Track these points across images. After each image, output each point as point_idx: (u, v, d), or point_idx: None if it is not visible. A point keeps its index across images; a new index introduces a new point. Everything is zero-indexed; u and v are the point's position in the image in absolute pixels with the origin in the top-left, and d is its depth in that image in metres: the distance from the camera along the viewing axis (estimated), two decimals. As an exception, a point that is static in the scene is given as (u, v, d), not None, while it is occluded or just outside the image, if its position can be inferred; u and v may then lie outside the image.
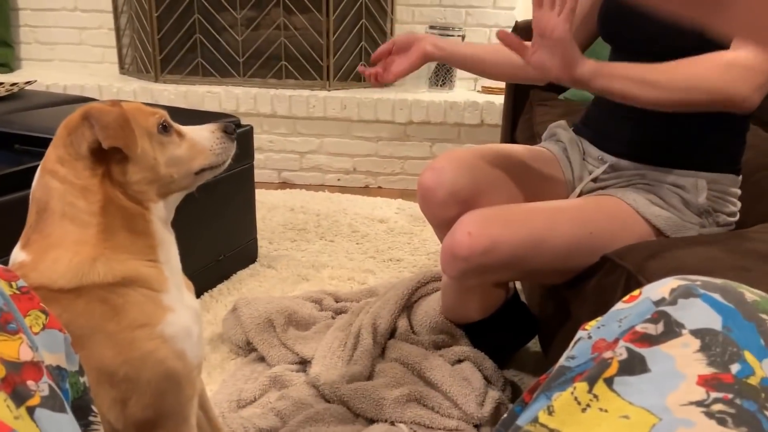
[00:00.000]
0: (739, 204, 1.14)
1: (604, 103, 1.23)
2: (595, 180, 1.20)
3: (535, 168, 1.25)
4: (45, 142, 0.82)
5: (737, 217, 1.14)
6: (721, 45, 0.95)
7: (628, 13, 1.13)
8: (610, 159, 1.20)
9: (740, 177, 1.15)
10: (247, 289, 1.76)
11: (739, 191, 1.14)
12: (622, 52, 1.19)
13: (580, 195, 1.21)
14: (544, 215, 1.09)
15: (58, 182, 0.75)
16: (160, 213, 0.82)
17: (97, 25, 3.17)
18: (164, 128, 0.82)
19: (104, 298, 0.73)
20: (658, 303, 0.44)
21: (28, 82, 2.04)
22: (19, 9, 3.20)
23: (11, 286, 0.51)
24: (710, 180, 1.10)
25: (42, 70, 3.20)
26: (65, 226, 0.74)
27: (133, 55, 3.07)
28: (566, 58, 0.95)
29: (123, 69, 3.14)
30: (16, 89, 1.96)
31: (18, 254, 0.75)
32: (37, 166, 0.79)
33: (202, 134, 0.87)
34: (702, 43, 0.89)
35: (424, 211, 1.24)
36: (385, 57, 1.26)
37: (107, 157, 0.76)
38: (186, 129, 0.86)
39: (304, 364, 1.38)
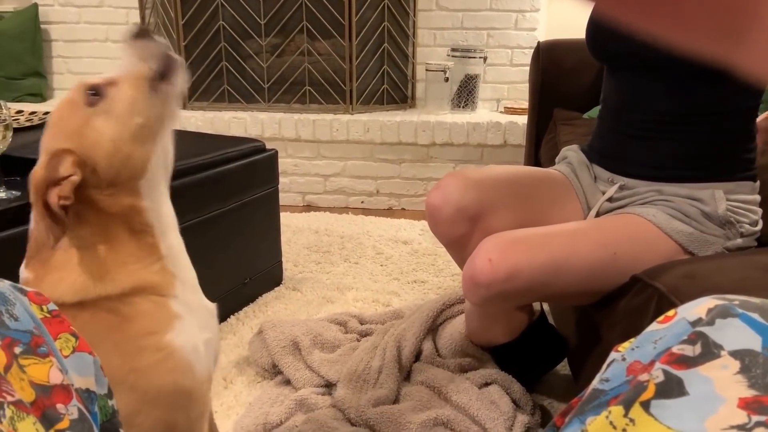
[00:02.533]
0: (760, 211, 1.11)
1: (608, 126, 1.21)
2: (610, 200, 1.19)
3: (545, 188, 1.24)
4: (76, 169, 0.83)
5: (760, 226, 1.11)
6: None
7: (616, 29, 1.12)
8: (621, 180, 1.18)
9: (758, 183, 1.12)
10: (273, 312, 1.76)
11: (758, 197, 1.12)
12: (616, 70, 1.18)
13: (597, 215, 1.20)
14: (564, 238, 1.07)
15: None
16: (153, 193, 0.77)
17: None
18: (94, 94, 0.73)
19: (110, 308, 0.72)
20: (694, 323, 0.43)
21: (60, 111, 2.09)
22: (51, 40, 3.30)
23: (42, 310, 0.51)
24: (727, 190, 1.08)
25: (73, 99, 3.28)
26: (69, 252, 0.73)
27: (161, 83, 3.13)
28: None
29: (151, 96, 3.21)
30: (48, 118, 2.01)
31: (23, 271, 0.75)
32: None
33: (126, 63, 0.75)
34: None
35: (433, 230, 1.24)
36: None
37: (84, 185, 0.72)
38: (114, 79, 0.75)
39: (329, 387, 1.37)
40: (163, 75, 0.76)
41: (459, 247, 1.20)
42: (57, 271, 0.73)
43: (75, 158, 0.70)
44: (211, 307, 0.86)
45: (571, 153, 1.32)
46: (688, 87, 1.07)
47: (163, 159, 0.78)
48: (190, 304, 0.80)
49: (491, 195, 1.19)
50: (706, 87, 1.06)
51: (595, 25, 1.20)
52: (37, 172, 0.70)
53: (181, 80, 0.78)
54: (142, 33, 0.76)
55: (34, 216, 0.74)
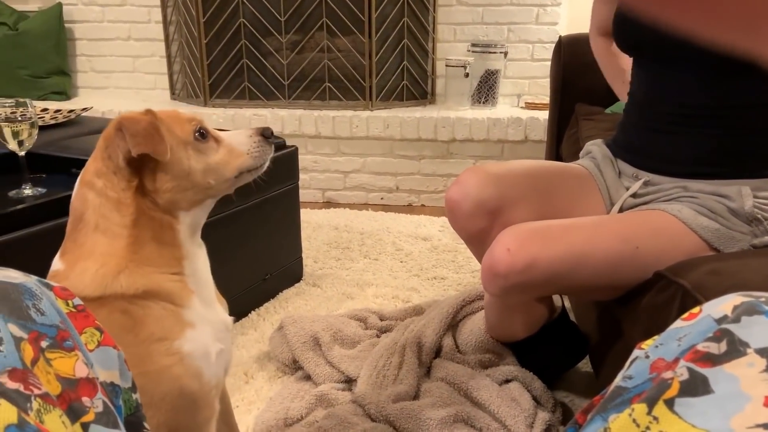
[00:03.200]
0: None
1: (634, 120, 1.20)
2: (634, 195, 1.17)
3: (566, 183, 1.23)
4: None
5: None
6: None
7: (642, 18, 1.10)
8: (645, 175, 1.17)
9: None
10: (293, 308, 1.77)
11: None
12: (643, 61, 1.17)
13: (620, 212, 1.18)
14: (585, 230, 1.06)
15: (94, 195, 0.77)
16: (190, 222, 0.82)
17: (150, 53, 3.30)
18: (201, 135, 0.82)
19: (125, 309, 0.74)
20: (720, 321, 0.42)
21: (84, 109, 2.13)
22: (75, 39, 3.35)
23: (68, 304, 0.52)
24: (755, 187, 1.06)
25: (97, 97, 3.33)
26: (97, 237, 0.76)
27: (184, 81, 3.17)
28: None
29: (174, 95, 3.25)
30: (73, 116, 2.05)
31: (56, 263, 0.78)
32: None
33: (240, 138, 0.87)
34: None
35: (453, 225, 1.23)
36: None
37: (142, 168, 0.78)
38: (223, 134, 0.87)
39: (349, 382, 1.38)
40: (250, 170, 0.87)
41: (479, 241, 1.20)
42: (83, 260, 0.75)
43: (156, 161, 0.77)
44: (228, 321, 0.88)
45: (595, 147, 1.30)
46: (717, 79, 1.04)
47: (206, 209, 0.86)
48: (205, 316, 0.82)
49: (511, 189, 1.18)
50: (736, 79, 1.03)
51: (623, 14, 1.18)
52: (154, 115, 0.78)
53: (251, 179, 0.89)
54: (267, 134, 0.89)
55: (83, 178, 0.79)
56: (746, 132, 1.07)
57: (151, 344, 0.74)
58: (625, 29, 1.18)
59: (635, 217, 1.10)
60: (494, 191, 1.16)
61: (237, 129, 0.97)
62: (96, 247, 0.76)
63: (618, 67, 1.48)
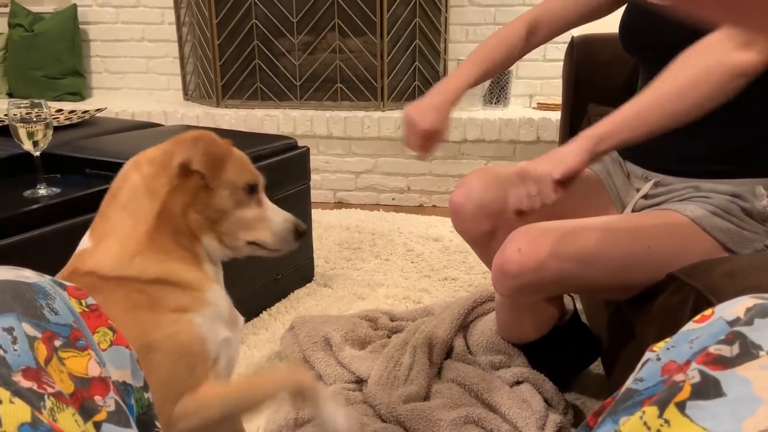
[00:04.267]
0: None
1: None
2: (645, 197, 1.16)
3: (574, 186, 1.22)
4: (114, 167, 0.86)
5: None
6: None
7: (650, 22, 1.09)
8: (655, 176, 1.16)
9: None
10: (304, 308, 1.77)
11: None
12: (649, 63, 1.15)
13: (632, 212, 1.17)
14: (596, 230, 1.05)
15: (137, 177, 0.81)
16: (209, 248, 0.85)
17: (163, 54, 3.32)
18: (250, 189, 0.86)
19: (143, 289, 0.76)
20: (732, 323, 0.42)
21: (98, 110, 2.15)
22: (90, 40, 3.38)
23: (81, 304, 0.53)
24: (767, 185, 1.05)
25: (111, 98, 3.36)
26: (123, 217, 0.79)
27: (196, 82, 3.19)
28: (555, 160, 0.91)
29: (187, 95, 3.27)
30: (87, 116, 2.06)
31: (85, 240, 0.81)
32: (106, 190, 0.83)
33: (277, 216, 0.90)
34: None
35: (457, 228, 1.24)
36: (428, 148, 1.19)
37: (189, 179, 0.81)
38: (267, 203, 0.90)
39: (360, 383, 1.38)
40: (267, 248, 0.90)
41: (483, 244, 1.20)
42: (107, 238, 0.79)
43: (205, 183, 0.82)
44: (240, 320, 0.90)
45: None
46: None
47: (222, 253, 0.88)
48: (219, 306, 0.83)
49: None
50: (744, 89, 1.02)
51: (628, 18, 1.18)
52: (207, 146, 0.82)
53: (262, 254, 0.92)
54: (301, 230, 0.92)
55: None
56: (756, 130, 1.06)
57: (161, 315, 0.76)
58: (630, 32, 1.17)
59: (647, 217, 1.09)
60: (497, 194, 1.16)
61: (251, 132, 1.00)
62: (119, 226, 0.79)
63: (501, 58, 1.29)
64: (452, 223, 1.25)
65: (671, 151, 1.13)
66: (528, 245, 1.03)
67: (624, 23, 1.19)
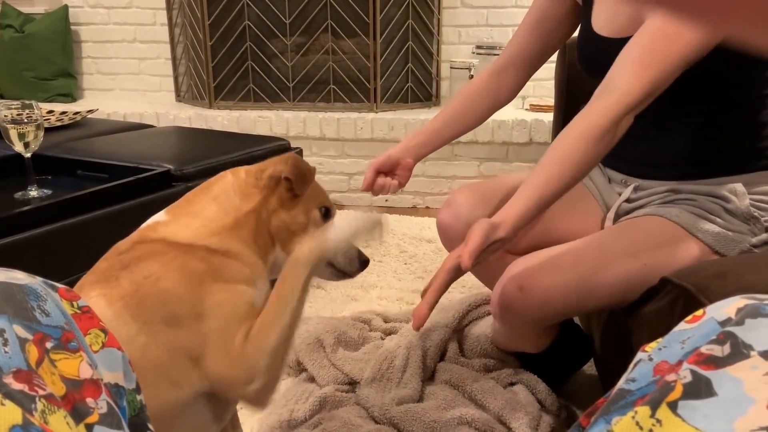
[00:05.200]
0: None
1: None
2: (627, 200, 1.17)
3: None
4: (106, 168, 0.86)
5: None
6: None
7: (605, 44, 1.11)
8: (634, 181, 1.16)
9: None
10: (297, 310, 1.77)
11: None
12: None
13: (616, 217, 1.18)
14: (592, 256, 1.05)
15: (233, 178, 0.87)
16: (279, 258, 0.89)
17: (155, 56, 3.31)
18: (326, 213, 0.93)
19: (205, 258, 0.78)
20: (723, 323, 0.42)
21: (90, 111, 2.14)
22: (81, 41, 3.37)
23: (72, 306, 0.52)
24: (747, 182, 1.05)
25: (103, 99, 3.35)
26: (210, 205, 0.84)
27: (189, 83, 3.18)
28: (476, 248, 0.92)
29: (179, 96, 3.26)
30: (78, 118, 2.06)
31: (159, 215, 0.84)
32: (98, 191, 0.84)
33: (344, 241, 0.91)
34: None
35: (447, 247, 1.24)
36: (374, 184, 1.23)
37: (278, 191, 0.88)
38: (338, 228, 0.92)
39: (353, 384, 1.38)
40: (341, 272, 0.94)
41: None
42: (189, 217, 0.82)
43: (306, 196, 0.90)
44: None
45: None
46: (685, 90, 1.02)
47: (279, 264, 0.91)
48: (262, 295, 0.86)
49: (501, 207, 1.18)
50: (705, 89, 1.03)
51: (587, 37, 1.18)
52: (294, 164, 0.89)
53: (337, 279, 0.96)
54: (364, 264, 0.95)
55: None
56: (727, 132, 1.07)
57: (218, 283, 0.77)
58: (583, 56, 1.19)
59: (638, 229, 1.08)
60: (485, 211, 1.16)
61: (244, 134, 1.03)
62: (206, 210, 0.83)
63: (468, 117, 1.30)
64: (441, 243, 1.25)
65: (644, 159, 1.14)
66: (529, 282, 1.02)
67: (582, 42, 1.20)
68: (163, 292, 0.74)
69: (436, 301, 0.93)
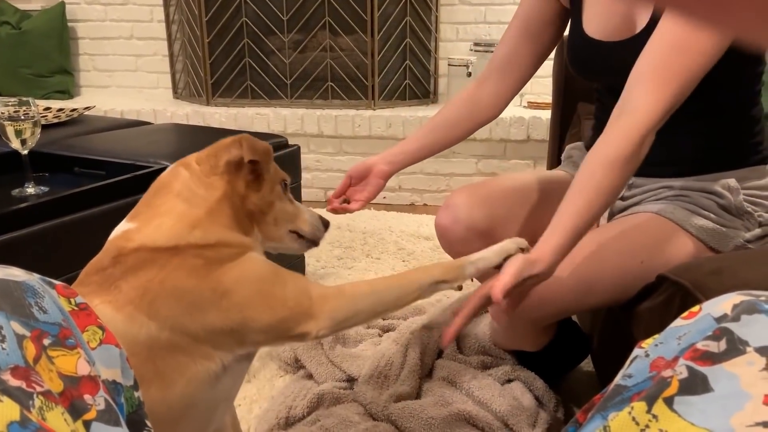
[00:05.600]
0: None
1: (604, 123, 1.20)
2: (622, 198, 1.17)
3: (555, 193, 1.21)
4: (103, 165, 0.86)
5: None
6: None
7: (599, 47, 1.10)
8: None
9: None
10: (295, 307, 1.77)
11: None
12: (603, 89, 1.17)
13: (610, 215, 1.18)
14: (589, 256, 1.04)
15: (188, 173, 0.84)
16: (258, 239, 0.89)
17: (152, 52, 3.30)
18: (284, 186, 0.93)
19: (198, 254, 0.77)
20: (719, 319, 0.42)
21: (87, 108, 2.13)
22: (78, 38, 3.36)
23: (70, 303, 0.52)
24: (740, 177, 1.06)
25: (100, 96, 3.34)
26: (176, 202, 0.81)
27: (186, 80, 3.17)
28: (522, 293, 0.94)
29: (176, 93, 3.25)
30: (75, 115, 2.05)
31: (123, 224, 0.81)
32: (95, 188, 0.83)
33: (305, 210, 0.97)
34: None
35: (446, 250, 1.23)
36: (345, 192, 1.22)
37: (240, 176, 0.85)
38: (293, 199, 0.96)
39: (351, 381, 1.38)
40: (302, 238, 0.95)
41: None
42: (161, 216, 0.79)
43: (258, 169, 0.88)
44: None
45: (576, 152, 1.30)
46: None
47: (270, 243, 0.93)
48: None
49: (501, 209, 1.18)
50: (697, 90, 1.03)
51: (578, 40, 1.17)
52: (252, 144, 0.87)
53: (299, 250, 0.97)
54: (326, 223, 0.98)
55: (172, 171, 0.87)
56: (719, 129, 1.07)
57: (224, 265, 0.78)
58: (583, 55, 1.18)
59: (633, 228, 1.08)
60: (484, 213, 1.16)
61: (240, 129, 1.02)
62: (173, 209, 0.80)
63: (456, 126, 1.29)
64: (440, 245, 1.25)
65: None
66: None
67: (573, 44, 1.20)
68: (174, 290, 0.74)
69: (465, 326, 0.94)
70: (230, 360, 0.78)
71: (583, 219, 0.92)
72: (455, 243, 1.19)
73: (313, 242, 0.96)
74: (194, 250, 0.77)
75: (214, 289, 0.76)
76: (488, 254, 0.91)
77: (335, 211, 1.19)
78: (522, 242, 0.93)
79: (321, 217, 0.98)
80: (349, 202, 1.20)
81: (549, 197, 1.22)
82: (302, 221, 0.94)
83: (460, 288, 0.90)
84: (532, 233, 1.13)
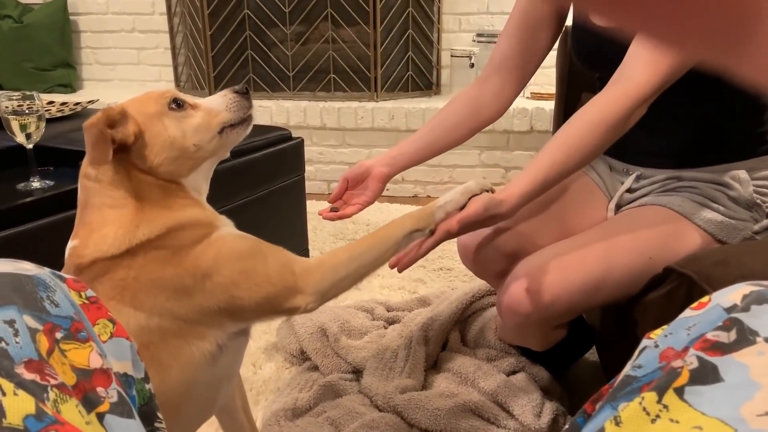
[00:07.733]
0: None
1: None
2: (629, 190, 1.16)
3: (571, 194, 1.20)
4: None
5: None
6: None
7: (600, 34, 1.09)
8: (636, 169, 1.16)
9: None
10: (300, 299, 1.77)
11: None
12: (607, 72, 1.16)
13: (618, 208, 1.17)
14: (598, 252, 1.04)
15: (92, 182, 0.82)
16: (193, 185, 0.87)
17: (154, 45, 3.30)
18: (178, 105, 0.85)
19: (158, 246, 0.77)
20: (729, 310, 0.42)
21: (90, 102, 2.13)
22: (80, 31, 3.35)
23: (81, 296, 0.53)
24: (749, 168, 1.05)
25: (102, 89, 3.34)
26: (105, 211, 0.80)
27: (188, 73, 3.17)
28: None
29: (179, 86, 3.25)
30: (79, 108, 2.05)
31: (70, 244, 0.81)
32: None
33: (215, 100, 0.90)
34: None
35: (470, 268, 1.21)
36: (342, 196, 1.16)
37: (128, 151, 0.81)
38: (200, 100, 0.90)
39: (357, 373, 1.39)
40: (234, 125, 0.89)
41: (500, 278, 1.15)
42: (99, 230, 0.79)
43: (137, 128, 0.82)
44: None
45: None
46: (682, 77, 0.98)
47: (204, 173, 0.89)
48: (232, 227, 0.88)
49: (525, 224, 1.15)
50: (701, 76, 1.02)
51: (582, 26, 1.16)
52: (109, 111, 0.81)
53: (244, 134, 0.91)
54: (241, 90, 0.90)
55: (82, 172, 0.84)
56: (728, 118, 1.06)
57: (195, 248, 0.78)
58: (589, 45, 1.17)
59: (641, 222, 1.07)
60: (510, 234, 1.14)
61: None
62: (106, 218, 0.80)
63: (457, 127, 1.27)
64: (463, 263, 1.22)
65: (645, 147, 1.13)
66: (535, 284, 1.02)
67: (577, 30, 1.19)
68: (152, 281, 0.75)
69: (421, 257, 0.98)
70: (224, 338, 0.79)
71: (557, 172, 0.94)
72: (478, 263, 1.19)
73: (246, 120, 0.90)
74: (151, 245, 0.77)
75: (193, 273, 0.77)
76: (454, 196, 0.93)
77: (330, 218, 1.12)
78: (486, 184, 0.95)
79: (231, 90, 0.90)
80: (338, 210, 1.12)
81: (567, 200, 1.20)
82: (219, 116, 0.87)
83: (432, 233, 0.93)
84: (554, 241, 1.11)
